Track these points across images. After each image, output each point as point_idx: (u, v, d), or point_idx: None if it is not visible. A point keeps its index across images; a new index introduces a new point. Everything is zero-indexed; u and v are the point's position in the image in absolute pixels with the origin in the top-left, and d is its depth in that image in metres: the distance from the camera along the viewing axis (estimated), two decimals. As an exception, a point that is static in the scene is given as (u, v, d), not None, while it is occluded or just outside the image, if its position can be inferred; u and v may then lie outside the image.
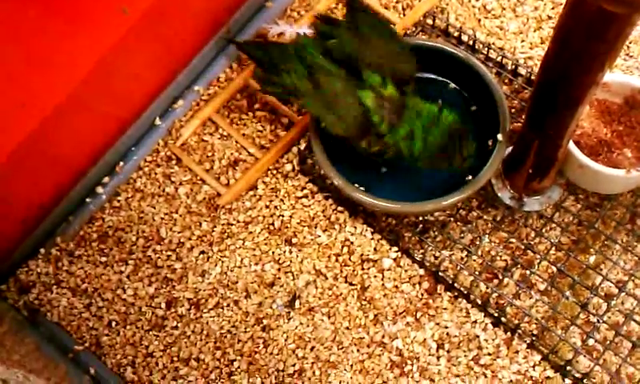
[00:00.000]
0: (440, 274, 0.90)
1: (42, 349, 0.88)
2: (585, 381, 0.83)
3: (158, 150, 1.00)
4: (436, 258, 0.91)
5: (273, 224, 0.94)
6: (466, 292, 0.89)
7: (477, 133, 0.92)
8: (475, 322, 0.88)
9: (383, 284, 0.90)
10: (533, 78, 0.99)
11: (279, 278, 0.91)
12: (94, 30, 0.86)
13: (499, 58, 1.01)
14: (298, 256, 0.92)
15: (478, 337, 0.87)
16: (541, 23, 1.06)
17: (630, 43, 1.04)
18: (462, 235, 0.92)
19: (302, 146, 0.98)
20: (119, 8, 0.87)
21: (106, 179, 0.99)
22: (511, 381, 0.85)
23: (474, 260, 0.91)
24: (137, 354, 0.89)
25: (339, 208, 0.95)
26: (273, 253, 0.93)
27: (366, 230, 0.93)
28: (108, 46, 0.87)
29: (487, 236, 0.92)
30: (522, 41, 1.05)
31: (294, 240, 0.93)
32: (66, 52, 0.84)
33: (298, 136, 0.99)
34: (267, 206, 0.96)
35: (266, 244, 0.93)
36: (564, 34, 0.69)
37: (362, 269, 0.91)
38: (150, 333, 0.90)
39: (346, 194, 0.88)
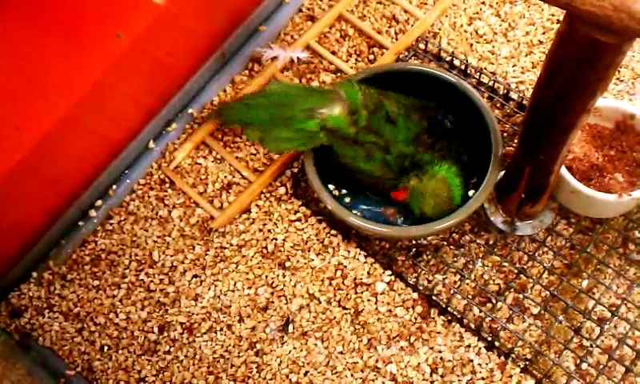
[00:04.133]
0: (433, 297, 0.90)
1: (34, 374, 0.87)
2: (578, 405, 0.84)
3: (152, 173, 1.00)
4: (429, 281, 0.91)
5: (266, 248, 0.94)
6: (459, 316, 0.89)
7: (468, 158, 0.92)
8: (469, 346, 0.88)
9: (377, 308, 0.90)
10: (524, 102, 1.00)
11: (272, 302, 0.91)
12: (88, 53, 0.86)
13: (491, 83, 1.02)
14: (291, 280, 0.92)
15: (471, 361, 0.87)
16: (532, 48, 1.07)
17: (621, 68, 1.05)
18: (456, 259, 0.92)
19: (296, 170, 0.99)
20: (113, 32, 0.87)
21: (98, 202, 0.98)
22: (505, 405, 0.85)
23: (468, 284, 0.91)
24: (129, 379, 0.88)
25: (332, 232, 0.95)
26: (266, 277, 0.93)
27: (360, 254, 0.93)
28: (102, 69, 0.87)
29: (480, 260, 0.92)
30: (514, 65, 1.05)
31: (288, 264, 0.93)
32: (59, 75, 0.84)
33: (291, 159, 0.99)
34: (260, 230, 0.96)
35: (259, 268, 0.93)
36: (555, 63, 0.69)
37: (356, 293, 0.91)
38: (143, 357, 0.89)
39: (338, 217, 0.89)
